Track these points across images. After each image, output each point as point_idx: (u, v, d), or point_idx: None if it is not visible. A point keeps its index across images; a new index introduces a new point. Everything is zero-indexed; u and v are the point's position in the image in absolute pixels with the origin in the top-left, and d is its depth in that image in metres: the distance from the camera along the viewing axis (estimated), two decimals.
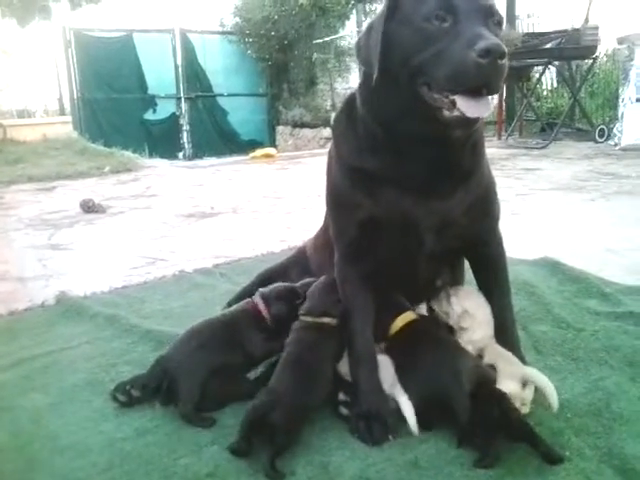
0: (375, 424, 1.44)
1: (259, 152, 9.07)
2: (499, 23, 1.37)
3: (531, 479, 1.26)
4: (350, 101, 1.58)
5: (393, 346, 1.63)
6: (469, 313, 1.67)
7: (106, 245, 3.70)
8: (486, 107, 1.28)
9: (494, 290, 1.69)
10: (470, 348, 1.62)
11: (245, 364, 1.70)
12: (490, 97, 1.30)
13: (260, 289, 1.82)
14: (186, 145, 12.61)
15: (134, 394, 1.66)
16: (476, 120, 1.31)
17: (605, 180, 5.03)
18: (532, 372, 1.51)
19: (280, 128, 12.89)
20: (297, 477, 1.31)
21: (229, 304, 2.03)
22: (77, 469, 1.40)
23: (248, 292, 1.98)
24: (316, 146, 10.80)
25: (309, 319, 1.64)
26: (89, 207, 4.77)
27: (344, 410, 1.53)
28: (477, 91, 1.28)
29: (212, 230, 4.02)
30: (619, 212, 3.80)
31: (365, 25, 1.49)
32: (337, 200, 1.61)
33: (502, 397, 1.40)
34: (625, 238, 3.11)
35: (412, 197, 1.47)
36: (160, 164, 8.69)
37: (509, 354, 1.58)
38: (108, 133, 11.10)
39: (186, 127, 12.57)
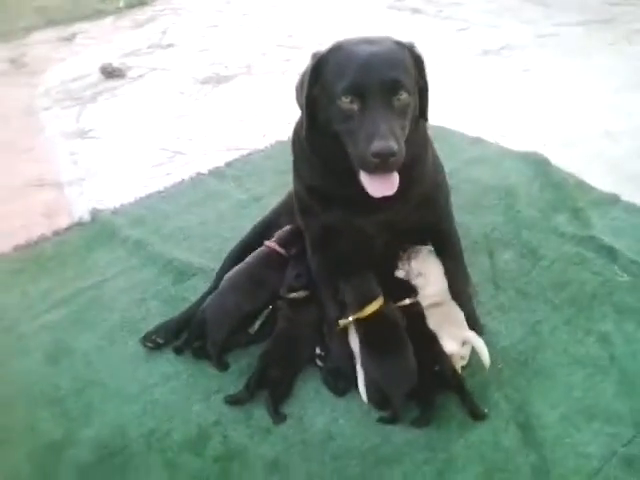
0: (340, 379, 1.82)
1: None
2: (405, 95, 1.43)
3: (452, 433, 1.63)
4: (299, 128, 1.70)
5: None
6: (423, 274, 1.95)
7: (129, 131, 3.93)
8: (390, 186, 1.44)
9: (447, 259, 1.93)
10: (425, 303, 1.92)
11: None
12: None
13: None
14: None
15: (160, 341, 2.08)
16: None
17: None
18: (470, 335, 1.81)
19: None
20: (278, 429, 1.74)
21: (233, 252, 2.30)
22: (120, 416, 1.83)
23: (249, 243, 2.26)
24: None
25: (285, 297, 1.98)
26: (109, 72, 4.87)
27: (319, 362, 1.91)
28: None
29: (226, 105, 4.14)
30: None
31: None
32: (301, 207, 1.84)
33: (441, 355, 1.74)
34: (627, 114, 3.09)
35: (357, 212, 1.68)
36: None
37: (457, 315, 1.88)
38: None
39: None
